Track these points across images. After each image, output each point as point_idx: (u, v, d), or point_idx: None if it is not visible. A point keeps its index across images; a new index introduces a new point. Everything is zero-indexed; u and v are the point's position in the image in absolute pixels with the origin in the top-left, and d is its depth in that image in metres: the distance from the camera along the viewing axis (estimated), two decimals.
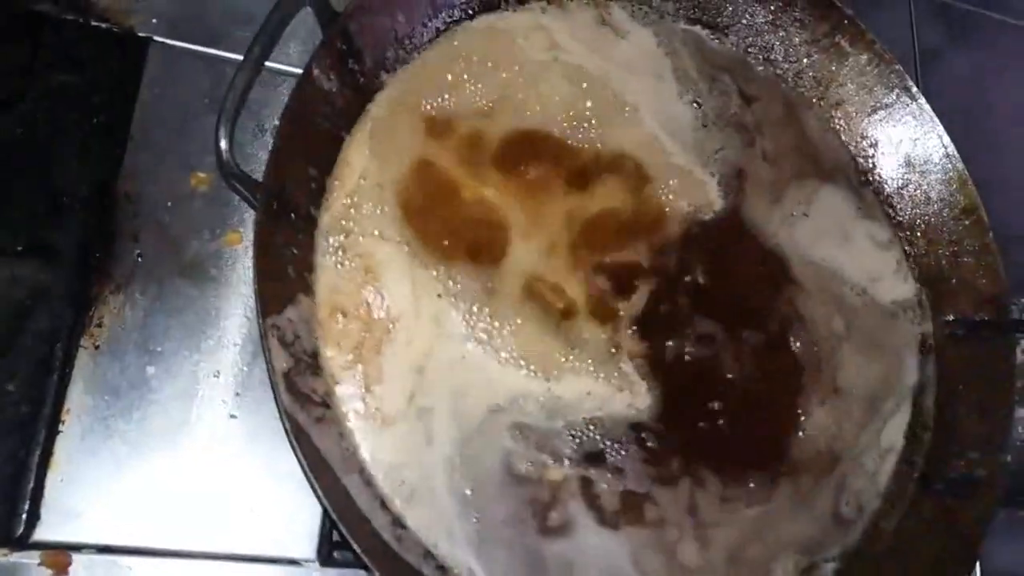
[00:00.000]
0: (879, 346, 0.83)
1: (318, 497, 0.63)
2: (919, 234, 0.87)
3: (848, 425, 0.79)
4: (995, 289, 0.83)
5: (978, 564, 0.86)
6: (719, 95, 0.88)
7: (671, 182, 0.83)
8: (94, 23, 0.83)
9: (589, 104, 0.84)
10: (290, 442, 0.64)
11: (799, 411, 0.79)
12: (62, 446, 0.75)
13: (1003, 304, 0.82)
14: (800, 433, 0.78)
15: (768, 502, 0.75)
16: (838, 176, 0.89)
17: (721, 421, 0.77)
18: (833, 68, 0.89)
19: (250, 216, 0.82)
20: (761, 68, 0.91)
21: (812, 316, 0.82)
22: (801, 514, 0.76)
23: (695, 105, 0.87)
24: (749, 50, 0.91)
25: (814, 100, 0.90)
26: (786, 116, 0.89)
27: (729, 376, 0.79)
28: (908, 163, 0.88)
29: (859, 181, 0.89)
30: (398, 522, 0.68)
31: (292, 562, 0.76)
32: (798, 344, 0.81)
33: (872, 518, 0.78)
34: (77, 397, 0.77)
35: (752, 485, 0.76)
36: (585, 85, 0.85)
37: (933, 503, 0.78)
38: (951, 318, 0.84)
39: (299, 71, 0.83)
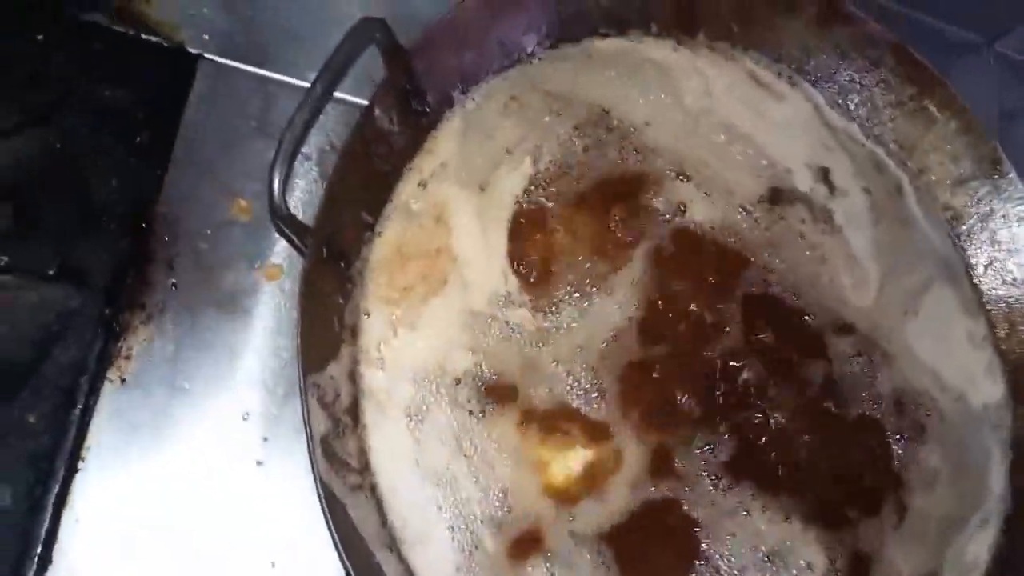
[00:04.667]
0: (967, 453, 0.77)
1: (347, 571, 0.59)
2: (1003, 319, 0.82)
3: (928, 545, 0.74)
4: None
5: None
6: None
7: None
8: (144, 36, 0.79)
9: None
10: (323, 512, 0.60)
11: None
12: (80, 485, 0.72)
13: None
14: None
15: None
16: (940, 266, 0.83)
17: None
18: (919, 134, 0.84)
19: (291, 249, 0.78)
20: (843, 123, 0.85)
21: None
22: None
23: None
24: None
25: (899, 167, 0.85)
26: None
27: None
28: (994, 241, 0.82)
29: (959, 270, 0.83)
30: None
31: None
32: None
33: None
34: (99, 433, 0.73)
35: None
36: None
37: None
38: None
39: (349, 97, 0.80)
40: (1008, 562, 0.74)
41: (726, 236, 0.79)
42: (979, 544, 0.75)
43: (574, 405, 0.71)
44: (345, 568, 0.61)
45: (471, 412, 0.69)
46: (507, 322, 0.72)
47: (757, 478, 0.71)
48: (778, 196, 0.82)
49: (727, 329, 0.76)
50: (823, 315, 0.78)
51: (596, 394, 0.72)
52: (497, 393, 0.70)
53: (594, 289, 0.74)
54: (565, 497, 0.69)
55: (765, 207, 0.81)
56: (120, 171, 0.77)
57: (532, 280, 0.73)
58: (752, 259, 0.78)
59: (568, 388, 0.71)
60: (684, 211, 0.79)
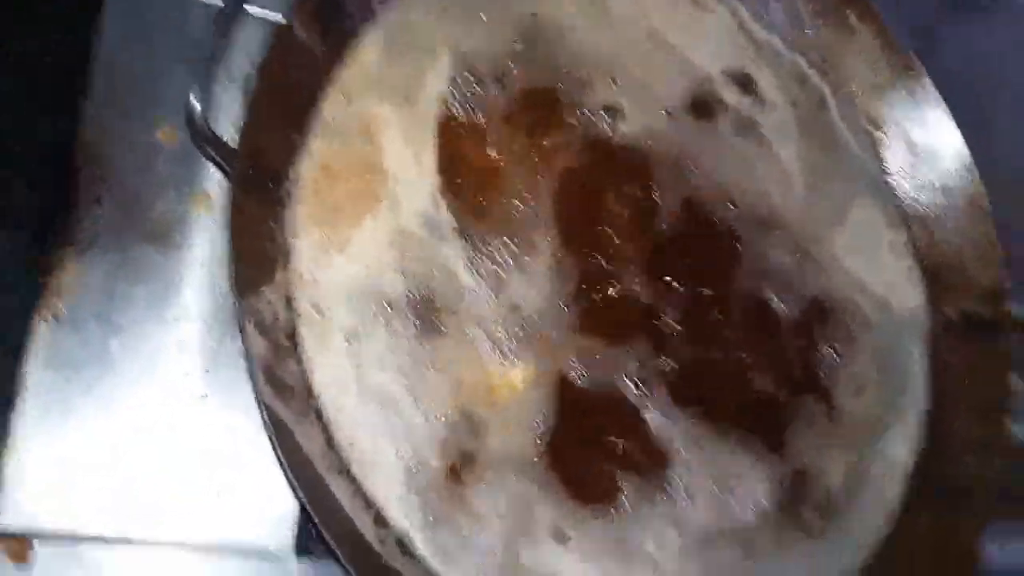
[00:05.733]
0: (891, 357, 0.79)
1: (298, 498, 0.59)
2: (921, 226, 0.83)
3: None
4: (993, 282, 0.80)
5: None
6: None
7: None
8: None
9: None
10: (270, 438, 0.59)
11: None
12: (19, 426, 0.70)
13: (1000, 298, 0.79)
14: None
15: None
16: (865, 178, 0.84)
17: None
18: (839, 44, 0.84)
19: (220, 175, 0.76)
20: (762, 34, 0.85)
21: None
22: None
23: None
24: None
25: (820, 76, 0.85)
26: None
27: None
28: (913, 150, 0.84)
29: (879, 179, 0.84)
30: (381, 520, 0.64)
31: (266, 552, 0.72)
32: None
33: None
34: (35, 373, 0.71)
35: None
36: None
37: (926, 511, 0.75)
38: (949, 312, 0.81)
39: (270, 13, 0.77)
40: (926, 460, 0.77)
41: (653, 144, 0.79)
42: (902, 444, 0.78)
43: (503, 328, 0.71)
44: (295, 494, 0.61)
45: (405, 334, 0.68)
46: (436, 245, 0.71)
47: (698, 403, 0.73)
48: (706, 107, 0.83)
49: (654, 230, 0.77)
50: (749, 214, 0.80)
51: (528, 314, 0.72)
52: (430, 314, 0.70)
53: (521, 208, 0.74)
54: (501, 415, 0.69)
55: (692, 117, 0.81)
56: (36, 111, 0.74)
57: (461, 201, 0.73)
58: (680, 164, 0.79)
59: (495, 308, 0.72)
60: (613, 118, 0.79)
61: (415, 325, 0.69)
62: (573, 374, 0.71)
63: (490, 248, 0.72)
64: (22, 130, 0.74)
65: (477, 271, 0.71)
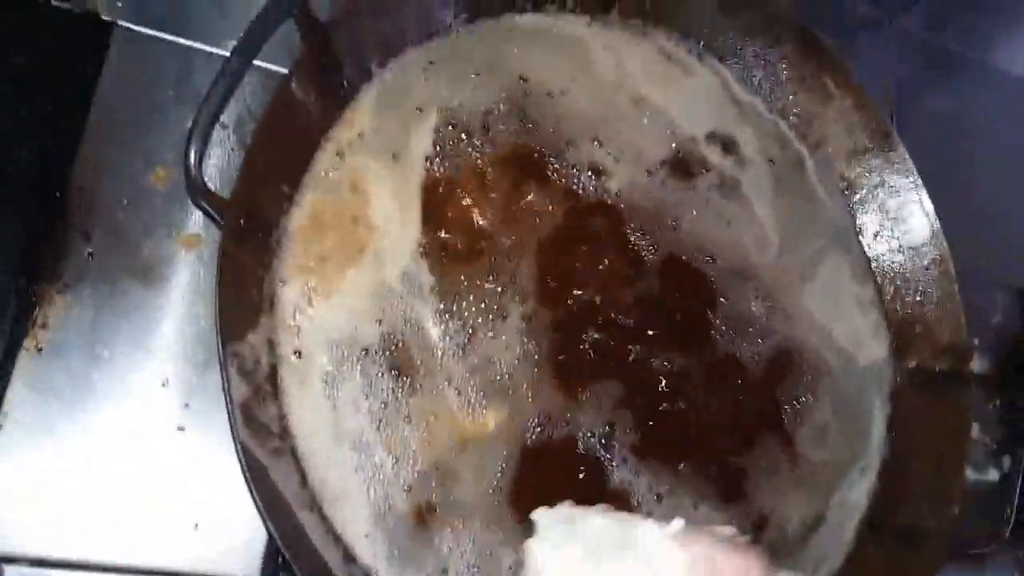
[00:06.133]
0: (853, 408, 0.83)
1: (271, 534, 0.62)
2: (888, 283, 0.87)
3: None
4: (956, 339, 0.83)
5: None
6: None
7: None
8: (54, 3, 0.78)
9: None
10: (245, 477, 0.61)
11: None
12: None
13: (962, 354, 0.83)
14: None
15: None
16: (837, 235, 0.88)
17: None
18: (818, 109, 0.89)
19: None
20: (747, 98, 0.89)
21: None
22: None
23: None
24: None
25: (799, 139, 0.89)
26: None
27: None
28: (884, 210, 0.88)
29: (851, 238, 0.89)
30: (349, 556, 0.67)
31: None
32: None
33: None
34: (17, 400, 0.73)
35: None
36: None
37: (881, 551, 0.79)
38: (912, 366, 0.85)
39: (267, 65, 0.80)
40: (883, 503, 0.80)
41: (636, 201, 0.82)
42: (860, 489, 0.82)
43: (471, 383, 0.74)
44: (267, 528, 0.63)
45: (380, 382, 0.71)
46: (413, 302, 0.74)
47: (660, 455, 0.76)
48: (688, 166, 0.86)
49: (634, 284, 0.80)
50: (727, 267, 0.83)
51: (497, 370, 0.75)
52: (403, 365, 0.72)
53: (500, 265, 0.77)
54: (467, 464, 0.72)
55: (674, 175, 0.84)
56: (32, 142, 0.76)
57: (440, 259, 0.75)
58: (661, 220, 0.82)
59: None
60: (597, 177, 0.82)
61: (390, 374, 0.71)
62: (539, 428, 0.74)
63: (464, 306, 0.75)
64: (15, 163, 0.76)
65: (448, 328, 0.74)
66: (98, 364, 0.76)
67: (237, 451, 0.62)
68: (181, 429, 0.76)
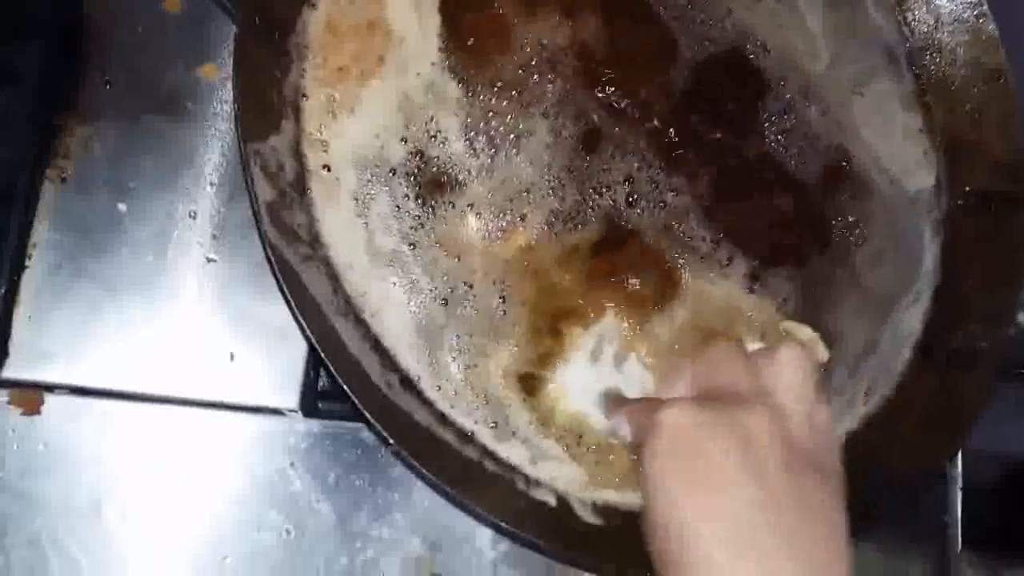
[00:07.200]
0: (904, 234, 0.79)
1: (306, 336, 0.59)
2: (941, 99, 0.82)
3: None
4: (1012, 158, 0.79)
5: None
6: None
7: None
8: None
9: None
10: (276, 278, 0.59)
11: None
12: (28, 283, 0.71)
13: (1019, 174, 0.78)
14: None
15: None
16: (885, 56, 0.82)
17: None
18: None
19: (228, 46, 0.76)
20: None
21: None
22: None
23: None
24: None
25: None
26: None
27: None
28: (937, 20, 0.82)
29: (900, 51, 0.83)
30: (388, 364, 0.65)
31: (274, 411, 0.73)
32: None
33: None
34: (44, 232, 0.72)
35: None
36: None
37: (932, 373, 0.76)
38: (966, 189, 0.81)
39: None
40: (937, 327, 0.77)
41: None
42: (913, 316, 0.78)
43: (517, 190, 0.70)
44: (305, 335, 0.61)
45: (408, 203, 0.68)
46: (437, 113, 0.69)
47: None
48: None
49: (679, 68, 0.75)
50: (778, 57, 0.78)
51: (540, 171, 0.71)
52: (433, 185, 0.69)
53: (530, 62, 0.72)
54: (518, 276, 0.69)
55: None
56: None
57: (464, 62, 0.70)
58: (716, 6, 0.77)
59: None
60: None
61: (415, 198, 0.68)
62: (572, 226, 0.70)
63: (491, 114, 0.71)
64: None
65: (474, 142, 0.70)
66: (124, 195, 0.74)
67: (266, 251, 0.59)
68: (211, 260, 0.74)
